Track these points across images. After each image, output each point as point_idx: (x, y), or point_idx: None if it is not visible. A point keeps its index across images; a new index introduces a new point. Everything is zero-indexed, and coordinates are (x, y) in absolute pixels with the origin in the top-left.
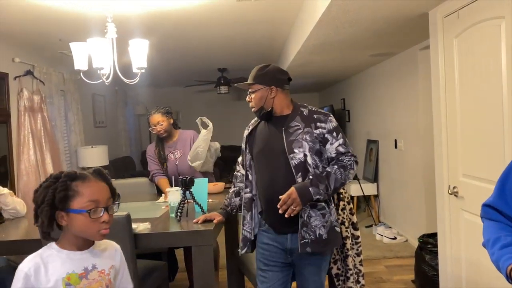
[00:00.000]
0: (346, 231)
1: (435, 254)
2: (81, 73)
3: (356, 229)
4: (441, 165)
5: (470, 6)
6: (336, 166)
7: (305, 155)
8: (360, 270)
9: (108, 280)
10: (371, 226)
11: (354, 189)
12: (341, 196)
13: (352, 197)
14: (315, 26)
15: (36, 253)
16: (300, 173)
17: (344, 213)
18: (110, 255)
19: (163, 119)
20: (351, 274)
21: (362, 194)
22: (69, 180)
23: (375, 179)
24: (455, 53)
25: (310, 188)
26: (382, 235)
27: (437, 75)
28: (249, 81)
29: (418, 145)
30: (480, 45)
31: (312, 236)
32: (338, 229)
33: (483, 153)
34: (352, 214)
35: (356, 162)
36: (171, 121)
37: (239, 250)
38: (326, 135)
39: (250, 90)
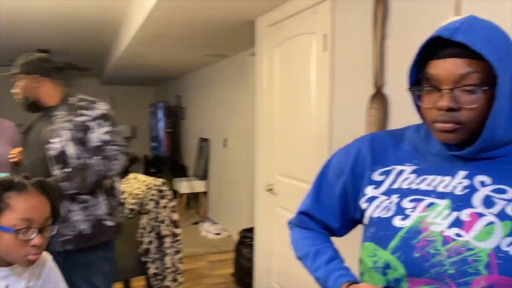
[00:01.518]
0: (166, 229)
1: (252, 247)
2: None
3: (177, 227)
4: (261, 164)
5: (290, 19)
6: (98, 157)
7: (64, 145)
8: (178, 268)
9: None
10: (198, 223)
11: (183, 186)
12: (163, 194)
13: (181, 195)
14: (146, 19)
15: None
16: (58, 165)
17: (165, 211)
18: (33, 272)
19: None
20: (169, 273)
21: (192, 191)
22: (2, 188)
23: (205, 176)
24: (276, 61)
25: (61, 183)
26: (207, 231)
27: (261, 81)
28: (13, 70)
29: (244, 145)
30: (297, 55)
31: (73, 232)
32: (108, 222)
33: (295, 154)
34: (174, 212)
35: (124, 153)
36: None
37: None
38: (89, 123)
39: (16, 79)
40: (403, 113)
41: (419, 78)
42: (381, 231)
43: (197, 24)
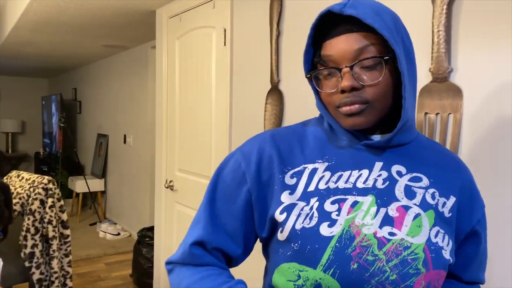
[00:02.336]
0: (54, 230)
1: (151, 246)
2: None
3: (66, 227)
4: (161, 160)
5: (190, 11)
6: None
7: None
8: (68, 272)
9: None
10: (95, 223)
11: (79, 185)
12: (50, 192)
13: (78, 194)
14: (31, 1)
15: None
16: None
17: (52, 211)
18: None
19: None
20: (57, 278)
21: (89, 191)
22: None
23: (103, 174)
24: (176, 54)
25: None
26: (105, 232)
27: (161, 75)
28: None
29: (145, 141)
30: (197, 49)
31: None
32: None
33: (195, 149)
34: (63, 212)
35: None
36: None
37: None
38: None
39: None
40: (298, 109)
41: (315, 63)
42: (307, 245)
43: (92, 11)
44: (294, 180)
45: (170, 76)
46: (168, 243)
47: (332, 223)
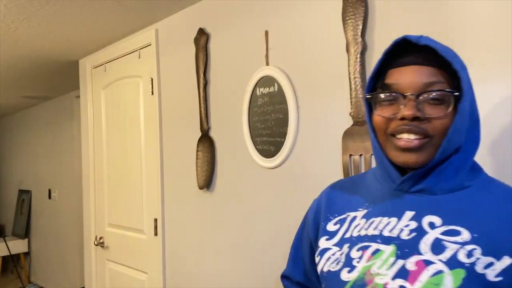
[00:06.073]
0: None
1: None
2: None
3: None
4: (89, 216)
5: (115, 61)
6: None
7: None
8: None
9: None
10: None
11: None
12: None
13: None
14: None
15: None
16: None
17: None
18: None
19: None
20: None
21: (9, 254)
22: None
23: (26, 234)
24: (102, 104)
25: None
26: None
27: (86, 125)
28: None
29: (73, 195)
30: (124, 99)
31: None
32: None
33: (126, 202)
34: None
35: None
36: None
37: None
38: None
39: None
40: (229, 155)
41: (376, 88)
42: (329, 287)
43: (8, 62)
44: (337, 226)
45: (96, 127)
46: None
47: (352, 269)
